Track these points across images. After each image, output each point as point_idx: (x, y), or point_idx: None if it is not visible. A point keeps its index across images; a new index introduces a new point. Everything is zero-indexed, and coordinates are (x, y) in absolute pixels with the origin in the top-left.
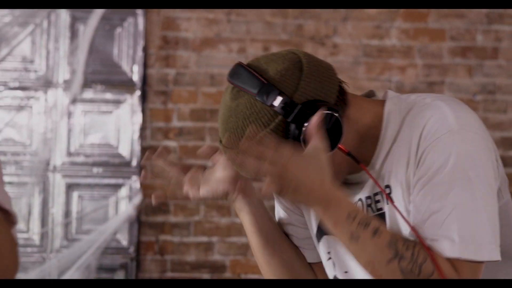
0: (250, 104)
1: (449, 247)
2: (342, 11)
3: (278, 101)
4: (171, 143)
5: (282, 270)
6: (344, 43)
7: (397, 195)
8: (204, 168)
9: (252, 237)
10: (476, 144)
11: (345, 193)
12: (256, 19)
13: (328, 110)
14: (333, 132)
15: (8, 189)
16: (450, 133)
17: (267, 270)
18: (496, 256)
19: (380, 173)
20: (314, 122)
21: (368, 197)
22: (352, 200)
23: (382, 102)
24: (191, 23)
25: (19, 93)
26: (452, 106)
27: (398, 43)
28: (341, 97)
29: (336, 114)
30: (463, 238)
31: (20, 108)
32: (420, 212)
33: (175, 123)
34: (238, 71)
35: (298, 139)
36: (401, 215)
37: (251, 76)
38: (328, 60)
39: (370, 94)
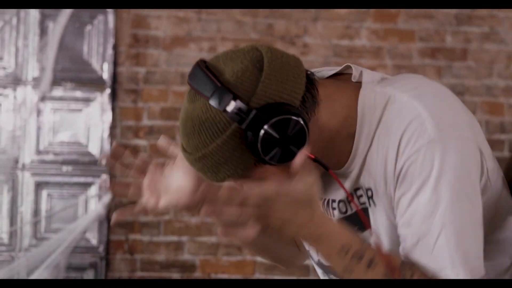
0: (206, 108)
1: (441, 275)
2: (313, 11)
3: (231, 106)
4: (141, 142)
5: (276, 261)
6: (314, 43)
7: (378, 201)
8: (163, 165)
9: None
10: (458, 150)
11: (337, 225)
12: (226, 18)
13: (289, 114)
14: (298, 137)
15: None
16: (430, 144)
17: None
18: (482, 271)
19: (361, 174)
20: (298, 160)
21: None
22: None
23: (356, 89)
24: (162, 21)
25: None
26: (430, 107)
27: (368, 43)
28: (310, 96)
29: (298, 118)
30: (453, 264)
31: None
32: (407, 234)
33: (145, 121)
34: (196, 71)
35: (256, 148)
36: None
37: (206, 78)
38: None
39: (345, 70)
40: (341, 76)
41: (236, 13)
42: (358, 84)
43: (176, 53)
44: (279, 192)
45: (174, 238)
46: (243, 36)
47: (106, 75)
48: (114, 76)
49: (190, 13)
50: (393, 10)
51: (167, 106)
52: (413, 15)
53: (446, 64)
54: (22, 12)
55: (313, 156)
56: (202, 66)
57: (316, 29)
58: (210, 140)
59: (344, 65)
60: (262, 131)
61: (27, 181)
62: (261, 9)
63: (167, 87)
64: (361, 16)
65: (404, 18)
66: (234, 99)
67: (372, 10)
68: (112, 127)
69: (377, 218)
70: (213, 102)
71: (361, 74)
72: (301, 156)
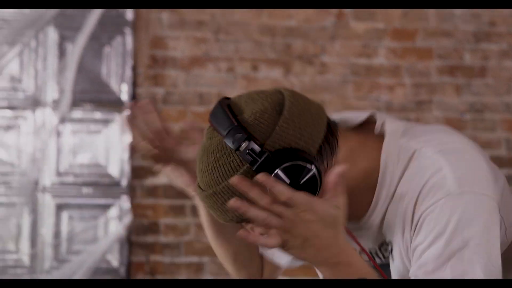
0: (221, 146)
1: None
2: (330, 30)
3: (244, 146)
4: None
5: (227, 259)
6: (332, 62)
7: (396, 254)
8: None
9: (207, 227)
10: (478, 206)
11: (358, 256)
12: (244, 38)
13: (302, 161)
14: (309, 185)
15: None
16: (449, 198)
17: (219, 257)
18: None
19: (381, 228)
20: (332, 179)
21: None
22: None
23: (379, 142)
24: (180, 42)
25: (8, 112)
26: (453, 162)
27: (386, 62)
28: (328, 145)
29: (311, 166)
30: None
31: (8, 127)
32: (416, 277)
33: None
34: (216, 108)
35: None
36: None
37: (224, 115)
38: (317, 79)
39: (369, 119)
40: (365, 125)
41: (254, 32)
42: (382, 135)
43: (194, 73)
44: (307, 204)
45: (195, 259)
46: (261, 55)
47: (125, 96)
48: (133, 97)
49: (207, 33)
50: (410, 29)
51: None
52: (431, 33)
53: (465, 82)
54: (41, 34)
55: None
56: (223, 104)
57: (334, 48)
58: (221, 178)
59: (369, 112)
60: (272, 175)
61: (47, 203)
62: (279, 28)
63: (185, 107)
64: (378, 35)
65: (422, 36)
66: (249, 139)
67: (389, 28)
68: (131, 147)
69: (395, 272)
70: (227, 141)
71: (383, 125)
72: (336, 175)
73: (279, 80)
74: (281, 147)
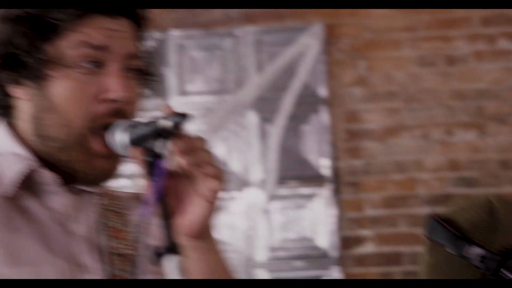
0: (448, 260)
1: None
2: None
3: (474, 253)
4: (366, 232)
5: None
6: None
7: None
8: None
9: None
10: None
11: None
12: (435, 104)
13: None
14: None
15: None
16: None
17: None
18: None
19: None
20: None
21: None
22: None
23: None
24: (374, 114)
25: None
26: None
27: None
28: None
29: None
30: None
31: (220, 208)
32: None
33: (368, 212)
34: (431, 224)
35: None
36: None
37: (443, 228)
38: None
39: None
40: None
41: (445, 98)
42: None
43: (390, 143)
44: None
45: None
46: (454, 120)
47: (326, 170)
48: (334, 171)
49: (399, 103)
50: None
51: (387, 196)
52: None
53: None
54: (242, 119)
55: None
56: (437, 219)
57: None
58: None
59: None
60: (503, 275)
61: (263, 278)
62: (468, 92)
63: (385, 177)
64: None
65: None
66: (476, 246)
67: None
68: (337, 220)
69: None
70: (455, 251)
71: None
72: None
73: (474, 142)
74: (504, 248)
